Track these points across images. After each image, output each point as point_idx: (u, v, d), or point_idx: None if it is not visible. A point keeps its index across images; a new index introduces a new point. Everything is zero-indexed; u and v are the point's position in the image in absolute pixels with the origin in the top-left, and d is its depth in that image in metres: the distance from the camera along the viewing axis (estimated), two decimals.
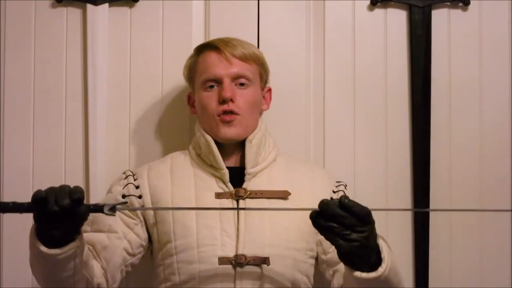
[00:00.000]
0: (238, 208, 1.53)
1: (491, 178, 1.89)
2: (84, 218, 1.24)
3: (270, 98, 1.70)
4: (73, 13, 1.88)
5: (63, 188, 1.21)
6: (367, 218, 1.23)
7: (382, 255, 1.28)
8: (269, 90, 1.69)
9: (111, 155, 1.86)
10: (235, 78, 1.57)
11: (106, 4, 1.87)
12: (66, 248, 1.25)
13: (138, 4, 1.89)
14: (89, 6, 1.86)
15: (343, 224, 1.21)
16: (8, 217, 1.83)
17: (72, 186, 1.22)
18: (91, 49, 1.86)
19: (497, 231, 1.89)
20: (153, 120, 1.88)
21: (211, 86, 1.58)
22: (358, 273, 1.26)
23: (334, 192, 1.62)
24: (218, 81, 1.57)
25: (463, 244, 1.89)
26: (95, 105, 1.85)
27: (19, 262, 1.83)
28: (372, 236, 1.25)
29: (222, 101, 1.55)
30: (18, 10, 1.88)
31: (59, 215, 1.19)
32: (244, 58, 1.58)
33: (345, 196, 1.24)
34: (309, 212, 1.50)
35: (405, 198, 1.88)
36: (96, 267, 1.46)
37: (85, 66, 1.87)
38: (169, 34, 1.89)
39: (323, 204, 1.22)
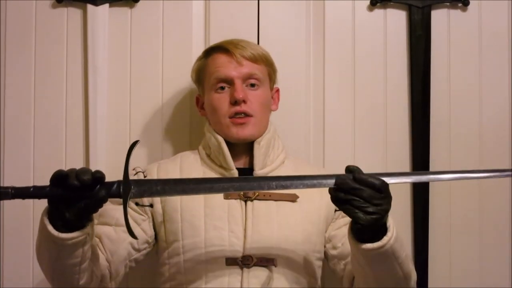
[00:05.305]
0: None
1: None
2: (102, 201, 1.22)
3: (278, 99, 1.70)
4: (74, 13, 1.88)
5: (85, 168, 1.21)
6: (383, 188, 1.24)
7: (388, 224, 1.29)
8: (277, 90, 1.70)
9: (111, 154, 1.86)
10: (246, 78, 1.58)
11: (107, 4, 1.87)
12: (76, 233, 1.23)
13: (138, 4, 1.89)
14: (90, 6, 1.86)
15: (361, 196, 1.22)
16: (8, 217, 1.84)
17: None
18: (91, 49, 1.86)
19: (497, 231, 1.90)
20: (153, 120, 1.88)
21: (222, 88, 1.58)
22: (364, 245, 1.27)
23: None
24: (229, 82, 1.57)
25: (462, 244, 1.89)
26: (95, 105, 1.85)
27: (19, 262, 1.84)
28: (388, 210, 1.26)
29: (234, 102, 1.55)
30: (18, 10, 1.87)
31: (77, 194, 1.17)
32: (254, 59, 1.59)
33: (358, 171, 1.25)
34: (315, 216, 1.54)
35: (405, 197, 1.89)
36: (101, 259, 1.45)
37: (85, 66, 1.87)
38: (169, 34, 1.89)
39: (339, 179, 1.24)
